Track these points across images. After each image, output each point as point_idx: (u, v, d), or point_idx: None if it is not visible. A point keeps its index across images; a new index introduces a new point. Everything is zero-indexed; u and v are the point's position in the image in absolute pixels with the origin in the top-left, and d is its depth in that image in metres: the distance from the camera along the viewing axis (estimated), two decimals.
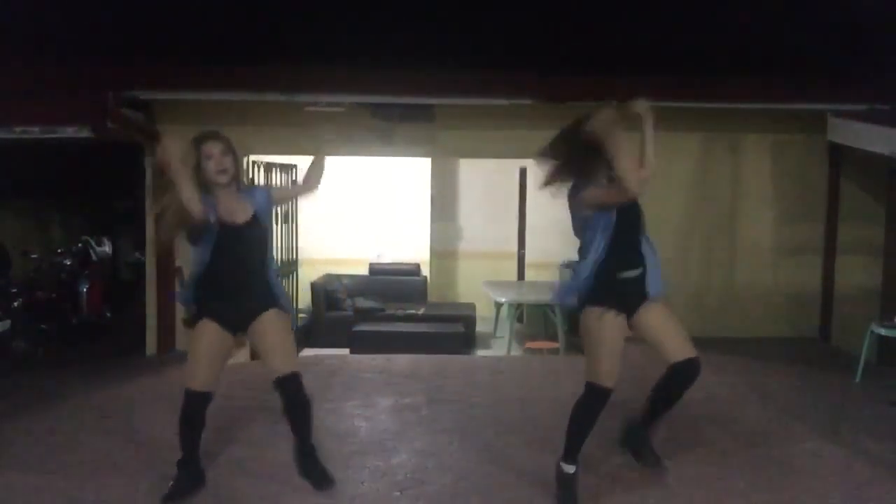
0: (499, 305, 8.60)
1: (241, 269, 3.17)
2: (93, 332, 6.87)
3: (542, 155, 3.19)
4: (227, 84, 5.55)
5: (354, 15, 4.58)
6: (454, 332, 7.70)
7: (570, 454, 3.26)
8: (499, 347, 8.22)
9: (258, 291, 3.21)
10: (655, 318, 3.19)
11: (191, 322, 3.23)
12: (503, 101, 5.95)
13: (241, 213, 3.17)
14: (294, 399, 3.27)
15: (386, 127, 6.46)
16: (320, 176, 3.41)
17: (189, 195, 2.93)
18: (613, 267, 3.10)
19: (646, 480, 3.54)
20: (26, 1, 4.43)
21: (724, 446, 3.89)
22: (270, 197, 3.35)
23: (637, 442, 3.47)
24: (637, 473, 3.62)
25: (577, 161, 3.10)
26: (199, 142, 3.11)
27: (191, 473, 3.34)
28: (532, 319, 9.15)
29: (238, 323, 3.22)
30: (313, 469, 3.41)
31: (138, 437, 4.15)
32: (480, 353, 8.06)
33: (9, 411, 4.60)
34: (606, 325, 3.09)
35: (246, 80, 5.52)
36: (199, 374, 3.18)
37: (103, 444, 4.04)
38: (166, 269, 6.37)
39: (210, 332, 3.16)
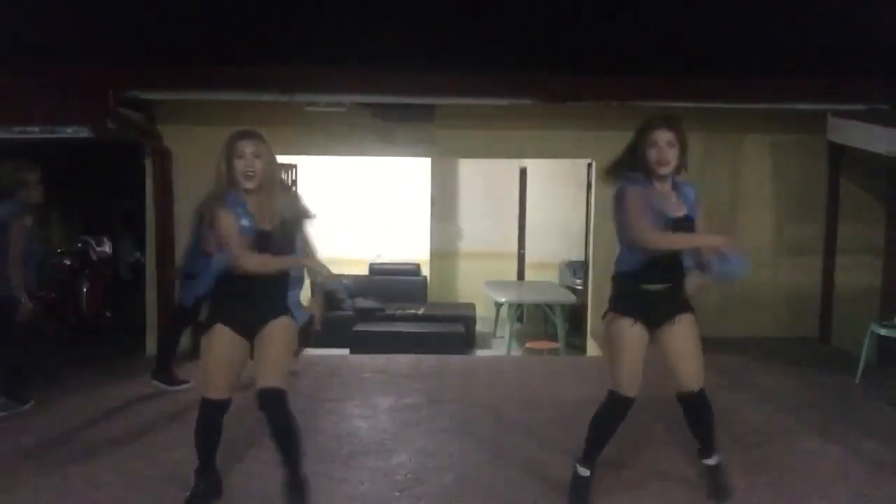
0: (499, 305, 8.60)
1: (261, 275, 3.00)
2: (93, 332, 6.87)
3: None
4: (227, 84, 5.55)
5: (354, 15, 4.58)
6: (454, 332, 7.71)
7: (588, 458, 3.24)
8: (499, 347, 8.22)
9: (273, 297, 3.05)
10: (675, 339, 3.10)
11: (203, 327, 3.12)
12: (503, 101, 5.95)
13: (269, 219, 3.01)
14: (274, 419, 3.02)
15: (386, 127, 6.46)
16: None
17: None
18: (640, 279, 3.05)
19: (646, 481, 3.55)
20: (26, 1, 4.43)
21: (724, 446, 3.88)
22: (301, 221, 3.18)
23: (709, 478, 3.35)
24: (637, 474, 3.63)
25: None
26: (233, 138, 2.99)
27: (209, 482, 3.20)
28: (532, 319, 9.16)
29: (251, 327, 3.05)
30: None
31: (138, 436, 4.15)
32: (480, 353, 8.07)
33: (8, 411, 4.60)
34: (626, 333, 3.05)
35: (246, 80, 5.51)
36: (213, 382, 3.04)
37: (103, 443, 4.04)
38: (166, 269, 6.37)
39: (223, 338, 3.03)
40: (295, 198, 3.32)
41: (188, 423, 4.31)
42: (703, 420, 3.21)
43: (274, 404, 3.00)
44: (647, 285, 3.05)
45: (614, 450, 3.91)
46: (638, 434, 4.18)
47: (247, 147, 2.95)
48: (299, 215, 3.17)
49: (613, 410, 3.15)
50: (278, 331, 3.04)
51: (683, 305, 3.14)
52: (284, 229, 3.06)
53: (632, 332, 3.05)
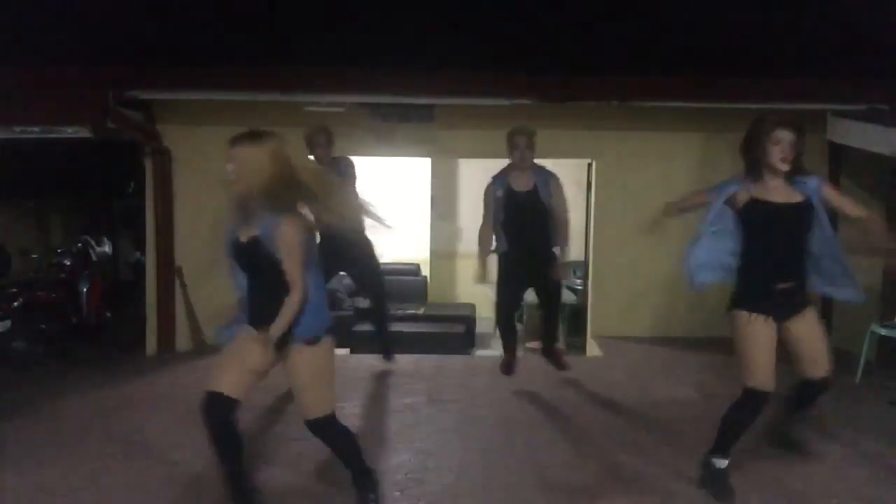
0: None
1: (255, 292, 2.90)
2: (93, 332, 6.87)
3: None
4: (227, 84, 5.55)
5: (354, 15, 4.58)
6: (454, 332, 7.70)
7: (722, 449, 3.35)
8: (499, 347, 8.20)
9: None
10: (804, 328, 3.29)
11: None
12: (503, 101, 5.95)
13: (247, 231, 2.83)
14: (329, 444, 3.14)
15: (386, 127, 6.46)
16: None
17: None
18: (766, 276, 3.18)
19: (646, 481, 3.55)
20: (26, 1, 4.44)
21: None
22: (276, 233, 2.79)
23: (781, 439, 3.77)
24: (637, 473, 3.63)
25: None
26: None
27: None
28: (532, 319, 9.15)
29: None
30: None
31: (138, 436, 4.15)
32: (480, 353, 8.06)
33: (8, 411, 4.60)
34: (756, 328, 3.18)
35: (246, 80, 5.52)
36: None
37: (103, 444, 4.04)
38: (166, 269, 6.38)
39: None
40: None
41: (188, 424, 4.33)
42: (809, 401, 3.53)
43: (320, 434, 3.10)
44: (779, 283, 3.18)
45: (612, 449, 3.92)
46: (637, 436, 4.19)
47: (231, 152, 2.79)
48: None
49: (749, 407, 3.25)
50: (294, 361, 3.04)
51: (806, 300, 3.33)
52: (258, 245, 2.80)
53: (761, 327, 3.19)
